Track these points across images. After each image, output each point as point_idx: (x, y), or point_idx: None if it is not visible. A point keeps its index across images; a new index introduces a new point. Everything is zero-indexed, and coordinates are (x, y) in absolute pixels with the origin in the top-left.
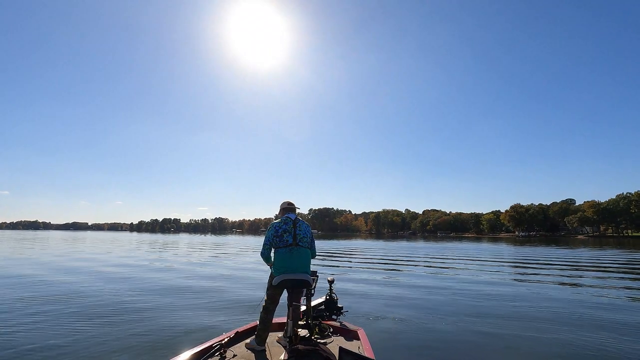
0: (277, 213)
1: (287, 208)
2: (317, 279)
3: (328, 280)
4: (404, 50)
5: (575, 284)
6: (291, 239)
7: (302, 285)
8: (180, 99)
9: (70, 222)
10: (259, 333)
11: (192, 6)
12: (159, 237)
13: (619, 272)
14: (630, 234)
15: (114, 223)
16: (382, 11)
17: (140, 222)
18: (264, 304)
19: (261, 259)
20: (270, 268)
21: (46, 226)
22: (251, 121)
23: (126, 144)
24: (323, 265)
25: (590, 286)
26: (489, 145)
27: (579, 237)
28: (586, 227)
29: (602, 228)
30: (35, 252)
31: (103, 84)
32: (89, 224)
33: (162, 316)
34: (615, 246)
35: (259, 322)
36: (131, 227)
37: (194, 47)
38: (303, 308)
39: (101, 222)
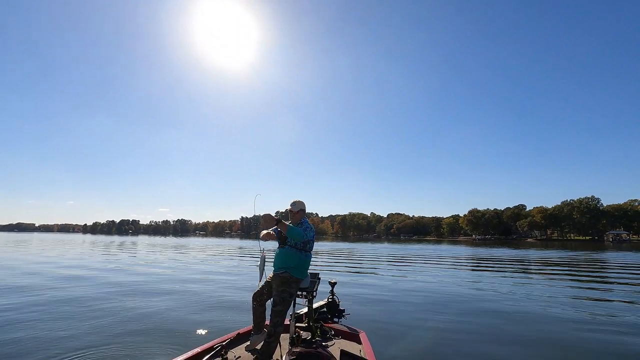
0: (295, 210)
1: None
2: (319, 282)
3: (330, 283)
4: (375, 55)
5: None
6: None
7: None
8: (140, 95)
9: (15, 222)
10: (272, 350)
11: None
12: (115, 239)
13: (561, 269)
14: (572, 238)
15: (65, 224)
16: (353, 15)
17: (95, 224)
18: (282, 317)
19: (295, 234)
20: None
21: None
22: (217, 121)
23: (80, 140)
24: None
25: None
26: (451, 151)
27: (529, 240)
28: (535, 231)
29: (548, 232)
30: None
31: (54, 76)
32: (37, 225)
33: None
34: (556, 248)
35: (274, 336)
36: (84, 229)
37: (157, 40)
38: (305, 310)
39: (50, 223)
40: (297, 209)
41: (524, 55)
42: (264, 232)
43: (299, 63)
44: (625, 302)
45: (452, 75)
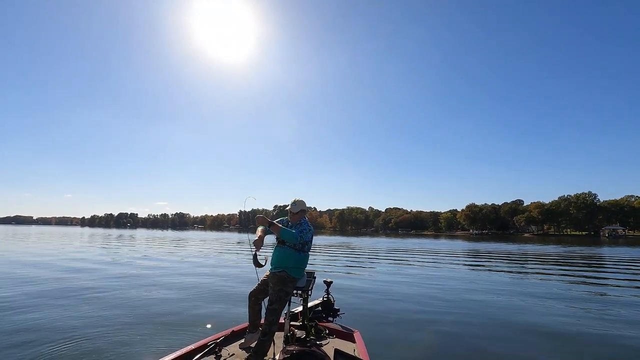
0: (295, 211)
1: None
2: (314, 280)
3: (325, 282)
4: (374, 50)
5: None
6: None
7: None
8: (138, 88)
9: (12, 215)
10: (267, 348)
11: None
12: (114, 233)
13: (555, 264)
14: (569, 233)
15: (63, 217)
16: (352, 10)
17: (93, 217)
18: (277, 316)
19: (288, 237)
20: (290, 267)
21: None
22: (215, 115)
23: (77, 133)
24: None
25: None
26: (450, 146)
27: (526, 235)
28: (532, 226)
29: (545, 227)
30: None
31: (51, 69)
32: (34, 218)
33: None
34: (553, 243)
35: (269, 334)
36: (82, 222)
37: (155, 34)
38: (300, 309)
39: (48, 216)
40: (297, 209)
41: (524, 52)
42: (257, 238)
43: (298, 58)
44: (619, 287)
45: (451, 71)
